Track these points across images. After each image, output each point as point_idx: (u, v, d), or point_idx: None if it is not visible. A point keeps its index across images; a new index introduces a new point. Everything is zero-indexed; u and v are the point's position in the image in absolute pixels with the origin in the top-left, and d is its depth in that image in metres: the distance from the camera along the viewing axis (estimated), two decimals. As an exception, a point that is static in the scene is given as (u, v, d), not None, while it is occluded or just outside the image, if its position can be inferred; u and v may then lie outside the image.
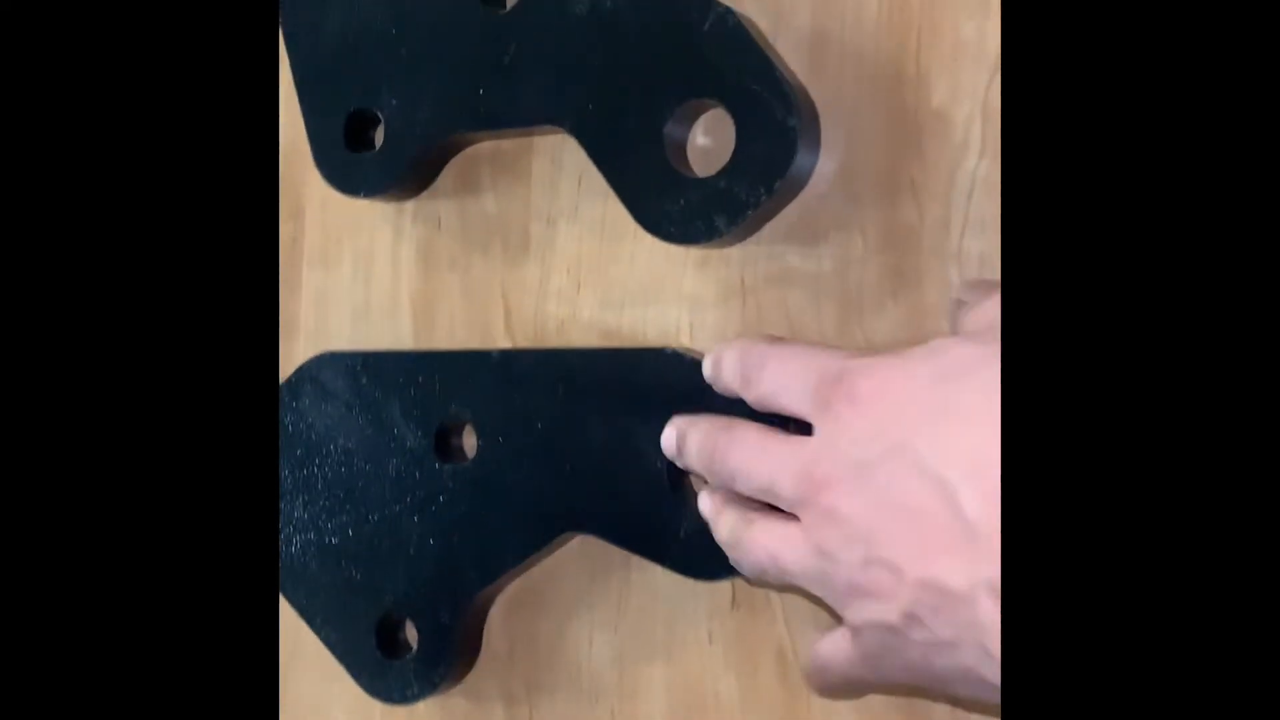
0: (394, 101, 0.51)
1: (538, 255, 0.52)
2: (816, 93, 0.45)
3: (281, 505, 0.53)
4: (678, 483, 0.46)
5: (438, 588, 0.50)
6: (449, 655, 0.50)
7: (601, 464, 0.47)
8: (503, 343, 0.52)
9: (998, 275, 0.41)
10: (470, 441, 0.51)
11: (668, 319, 0.49)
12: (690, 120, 0.46)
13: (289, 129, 0.54)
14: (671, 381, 0.45)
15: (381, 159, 0.52)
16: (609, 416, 0.47)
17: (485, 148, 0.53)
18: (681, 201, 0.45)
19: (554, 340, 0.51)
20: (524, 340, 0.52)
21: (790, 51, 0.45)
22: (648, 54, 0.45)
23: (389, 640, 0.51)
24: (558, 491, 0.48)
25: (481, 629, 0.52)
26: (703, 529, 0.44)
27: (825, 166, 0.45)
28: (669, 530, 0.46)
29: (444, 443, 0.51)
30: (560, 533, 0.49)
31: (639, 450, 0.46)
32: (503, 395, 0.49)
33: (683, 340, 0.48)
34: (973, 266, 0.43)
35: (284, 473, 0.53)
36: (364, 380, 0.52)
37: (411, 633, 0.51)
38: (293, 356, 0.56)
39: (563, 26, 0.47)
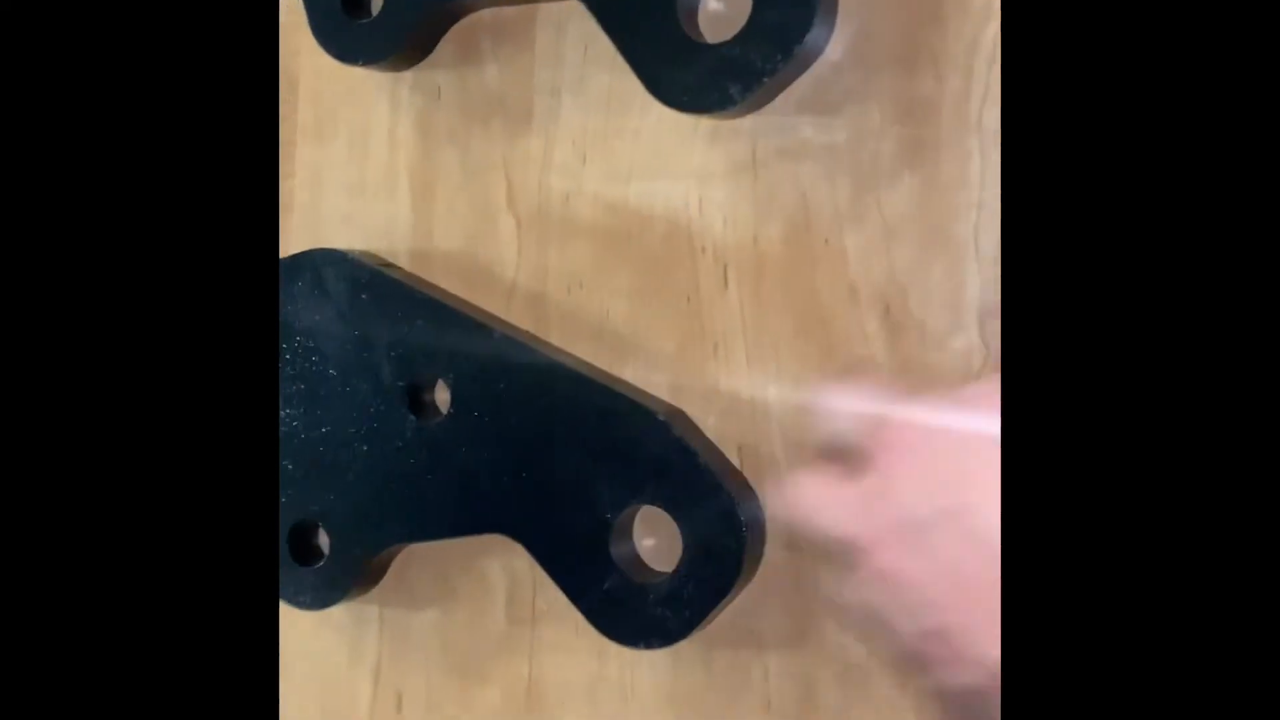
0: (393, -35, 0.49)
1: (541, 128, 0.50)
2: (834, -44, 0.43)
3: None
4: (621, 537, 0.46)
5: (361, 523, 0.50)
6: (349, 583, 0.51)
7: (555, 488, 0.46)
8: (505, 219, 0.51)
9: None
10: (444, 398, 0.49)
11: (675, 193, 0.48)
12: (704, -17, 0.45)
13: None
14: (650, 447, 0.45)
15: (380, 25, 0.50)
16: (580, 449, 0.46)
17: (486, 15, 0.51)
18: (694, 69, 0.43)
19: (558, 214, 0.50)
20: (527, 214, 0.50)
21: (807, -87, 0.44)
22: (660, -87, 0.43)
23: (299, 545, 0.51)
24: (505, 492, 0.47)
25: (387, 568, 0.53)
26: (626, 590, 0.45)
27: (841, 34, 0.44)
28: (596, 577, 0.46)
29: (418, 393, 0.49)
30: (491, 531, 0.48)
31: (595, 492, 0.46)
32: (491, 377, 0.47)
33: (691, 214, 0.47)
34: (992, 138, 0.42)
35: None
36: (364, 296, 0.50)
37: (323, 540, 0.52)
38: (288, 232, 0.55)
39: (571, -116, 0.45)
